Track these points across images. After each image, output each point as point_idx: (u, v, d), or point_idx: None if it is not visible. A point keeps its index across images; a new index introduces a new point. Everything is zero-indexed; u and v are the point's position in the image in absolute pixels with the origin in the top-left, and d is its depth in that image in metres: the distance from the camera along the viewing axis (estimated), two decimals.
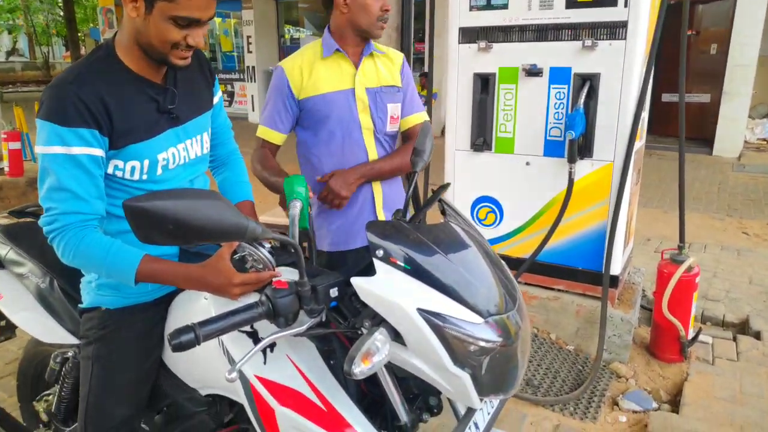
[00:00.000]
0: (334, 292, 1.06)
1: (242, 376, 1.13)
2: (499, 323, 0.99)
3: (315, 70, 1.85)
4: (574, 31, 2.63)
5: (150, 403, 1.38)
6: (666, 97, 8.53)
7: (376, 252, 1.01)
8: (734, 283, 3.71)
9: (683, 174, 2.91)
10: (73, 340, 1.51)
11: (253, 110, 13.35)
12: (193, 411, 1.34)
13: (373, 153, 1.94)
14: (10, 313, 1.60)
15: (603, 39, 2.58)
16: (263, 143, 1.92)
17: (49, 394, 1.75)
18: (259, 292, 1.05)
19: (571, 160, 2.67)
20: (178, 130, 1.33)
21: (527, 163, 2.88)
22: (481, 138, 2.95)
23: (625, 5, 2.51)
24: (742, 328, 3.13)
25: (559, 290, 2.93)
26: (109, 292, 1.33)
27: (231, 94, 14.41)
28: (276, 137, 1.91)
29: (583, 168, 2.73)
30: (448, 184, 1.32)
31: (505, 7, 2.76)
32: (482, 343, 0.96)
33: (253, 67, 13.14)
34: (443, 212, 1.22)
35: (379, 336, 0.94)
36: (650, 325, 2.98)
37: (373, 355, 0.93)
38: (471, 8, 2.84)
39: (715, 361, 2.76)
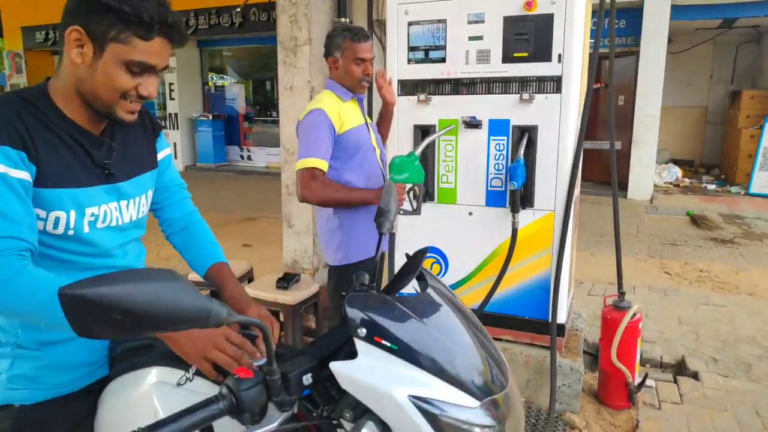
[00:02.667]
0: (307, 379, 0.92)
1: None
2: (494, 405, 0.89)
3: (343, 111, 2.37)
4: (511, 85, 2.68)
5: None
6: (585, 145, 8.99)
7: (358, 331, 0.89)
8: (666, 324, 3.83)
9: (618, 221, 3.01)
10: None
11: (176, 158, 12.90)
12: None
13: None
14: None
15: (539, 92, 2.65)
16: (318, 172, 2.27)
17: None
18: (218, 384, 0.90)
19: (514, 210, 2.68)
20: (111, 188, 1.17)
21: (470, 213, 2.87)
22: (424, 188, 2.92)
23: (559, 60, 2.59)
24: (680, 368, 3.21)
25: (507, 341, 2.88)
26: (24, 385, 1.11)
27: None
28: (326, 166, 2.29)
29: (526, 217, 2.74)
30: (427, 248, 1.23)
31: (442, 60, 2.78)
32: (478, 430, 0.86)
33: (176, 114, 12.78)
34: (419, 278, 1.12)
35: (370, 425, 0.82)
36: (595, 371, 2.99)
37: None
38: (409, 61, 2.85)
39: (661, 405, 2.79)
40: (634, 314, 2.69)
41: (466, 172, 2.84)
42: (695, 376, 3.08)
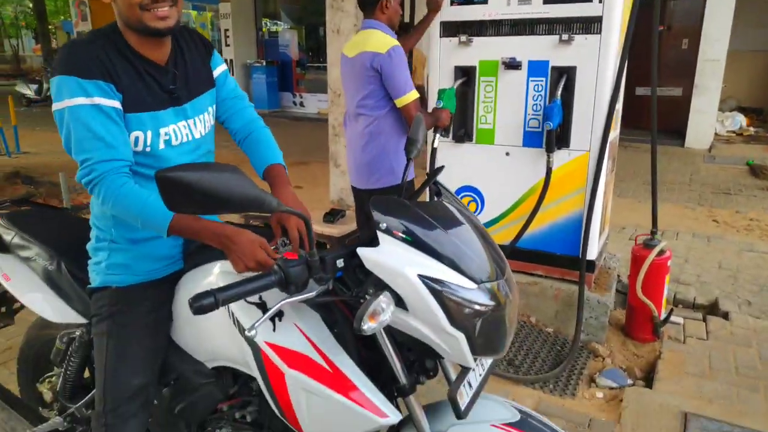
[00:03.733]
0: (340, 263, 1.14)
1: (253, 344, 1.21)
2: (491, 290, 1.08)
3: None
4: (551, 26, 2.73)
5: (158, 377, 1.44)
6: (639, 91, 8.71)
7: (380, 225, 1.09)
8: (705, 268, 3.87)
9: (656, 164, 3.04)
10: (81, 320, 1.57)
11: None
12: (200, 383, 1.41)
13: None
14: (20, 295, 1.65)
15: (579, 33, 2.69)
16: (417, 103, 2.61)
17: (52, 376, 1.79)
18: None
19: (549, 150, 2.78)
20: (178, 110, 1.38)
21: (507, 154, 2.98)
22: (462, 129, 3.05)
23: (600, 1, 2.61)
24: (712, 309, 3.29)
25: (538, 275, 3.04)
26: (118, 271, 1.39)
27: None
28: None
29: (561, 157, 2.84)
30: (442, 167, 1.41)
31: (485, 2, 2.84)
32: (476, 307, 1.06)
33: (232, 60, 13.06)
34: (438, 194, 1.31)
35: (384, 298, 1.03)
36: (625, 308, 3.12)
37: (378, 315, 1.03)
38: (452, 3, 2.92)
39: (686, 340, 2.90)
40: (662, 252, 2.78)
41: (505, 113, 2.94)
42: (726, 316, 3.15)
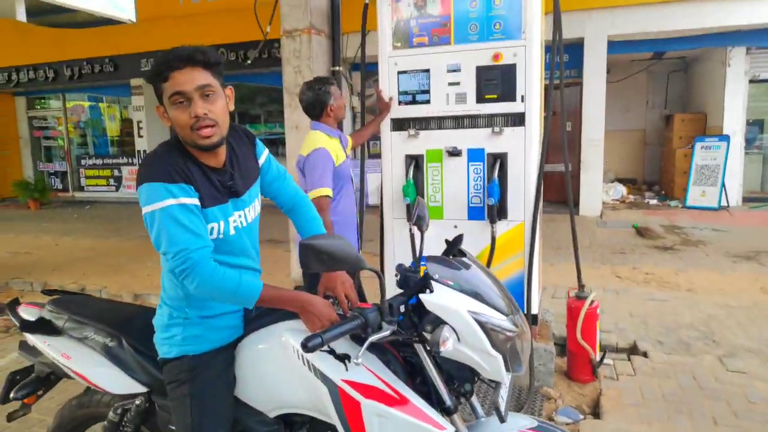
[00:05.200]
0: (402, 308, 1.46)
1: (329, 383, 1.47)
2: (514, 320, 1.46)
3: (334, 148, 3.00)
4: (485, 120, 3.30)
5: None
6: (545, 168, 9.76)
7: (434, 275, 1.45)
8: (619, 317, 4.48)
9: (575, 232, 3.63)
10: (142, 389, 1.72)
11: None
12: (263, 431, 1.62)
13: (356, 201, 3.30)
14: (82, 370, 1.76)
15: (507, 126, 3.27)
16: (327, 199, 2.85)
17: None
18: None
19: (493, 221, 3.27)
20: (237, 201, 1.66)
21: (455, 226, 3.44)
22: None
23: (522, 100, 3.23)
24: (633, 350, 3.84)
25: None
26: (194, 342, 1.60)
27: (119, 179, 14.09)
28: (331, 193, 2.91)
29: (501, 227, 3.33)
30: (462, 235, 1.78)
31: (427, 102, 3.39)
32: (508, 333, 1.43)
33: (145, 151, 13.03)
34: (462, 254, 1.68)
35: (447, 328, 1.38)
36: (564, 357, 3.58)
37: (447, 341, 1.36)
38: (399, 103, 3.44)
39: (618, 377, 3.39)
40: (592, 301, 3.30)
41: (450, 192, 3.42)
42: (645, 354, 3.71)
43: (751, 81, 9.48)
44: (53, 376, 1.95)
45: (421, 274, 1.56)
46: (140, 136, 12.97)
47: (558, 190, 9.71)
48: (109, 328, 1.79)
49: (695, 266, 6.06)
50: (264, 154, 1.81)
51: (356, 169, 3.70)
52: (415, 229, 3.41)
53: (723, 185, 9.13)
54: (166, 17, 11.44)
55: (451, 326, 1.40)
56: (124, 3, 6.63)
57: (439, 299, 1.43)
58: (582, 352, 3.30)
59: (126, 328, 1.79)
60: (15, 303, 1.97)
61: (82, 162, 14.66)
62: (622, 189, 10.63)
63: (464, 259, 1.65)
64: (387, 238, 3.58)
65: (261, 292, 1.50)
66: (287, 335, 1.58)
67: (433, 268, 1.50)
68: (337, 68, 3.88)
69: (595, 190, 9.48)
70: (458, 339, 1.41)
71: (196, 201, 1.51)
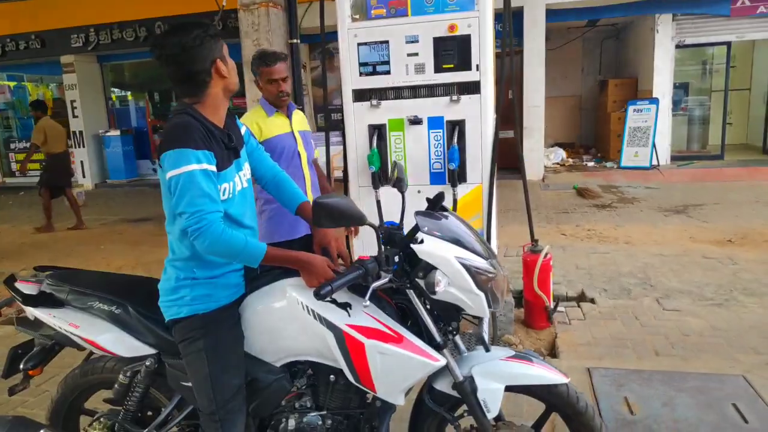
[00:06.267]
0: (396, 258, 1.64)
1: (335, 329, 1.65)
2: (492, 263, 1.67)
3: (265, 122, 2.96)
4: (443, 89, 3.48)
5: None
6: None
7: (424, 228, 1.63)
8: (567, 270, 4.85)
9: (527, 194, 3.91)
10: (151, 351, 1.83)
11: (84, 176, 12.64)
12: (271, 380, 1.77)
13: (308, 176, 3.08)
14: (92, 337, 1.85)
15: (464, 94, 3.47)
16: None
17: (99, 417, 1.97)
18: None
19: (454, 185, 3.48)
20: (238, 161, 1.80)
21: (419, 191, 3.62)
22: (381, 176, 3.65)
23: (477, 69, 3.42)
24: (581, 298, 4.20)
25: None
26: (203, 301, 1.72)
27: None
28: None
29: (462, 190, 3.55)
30: (442, 193, 1.95)
31: (388, 73, 3.52)
32: (489, 274, 1.64)
33: (81, 132, 12.51)
34: (443, 208, 1.87)
35: (439, 272, 1.58)
36: (520, 308, 3.88)
37: (440, 283, 1.57)
38: (360, 74, 3.56)
39: (570, 322, 3.73)
40: (546, 254, 3.60)
41: (413, 159, 3.60)
42: (592, 301, 4.08)
43: (677, 46, 10.07)
44: (57, 346, 2.02)
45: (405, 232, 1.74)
46: (75, 116, 12.41)
47: (504, 156, 10.09)
48: (114, 297, 1.87)
49: (631, 221, 6.55)
50: (243, 126, 1.96)
51: (319, 141, 3.80)
52: (382, 194, 3.61)
53: (654, 146, 9.75)
54: None
55: (442, 271, 1.59)
56: None
57: (429, 248, 1.62)
58: (538, 301, 3.61)
59: (129, 295, 1.88)
60: (12, 279, 2.01)
61: (11, 146, 13.91)
62: (562, 153, 11.15)
63: (445, 212, 1.84)
64: None
65: (266, 251, 1.64)
66: (291, 291, 1.73)
67: (421, 221, 1.68)
68: (294, 41, 3.95)
69: (538, 154, 9.92)
70: (449, 282, 1.61)
71: (214, 168, 1.64)
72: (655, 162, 9.78)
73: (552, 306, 3.67)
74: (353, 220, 1.56)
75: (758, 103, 11.57)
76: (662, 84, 10.02)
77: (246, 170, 1.86)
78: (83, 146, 12.60)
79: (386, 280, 1.60)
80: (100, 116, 13.03)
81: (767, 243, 5.33)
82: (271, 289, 1.79)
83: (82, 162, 12.66)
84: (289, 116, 3.05)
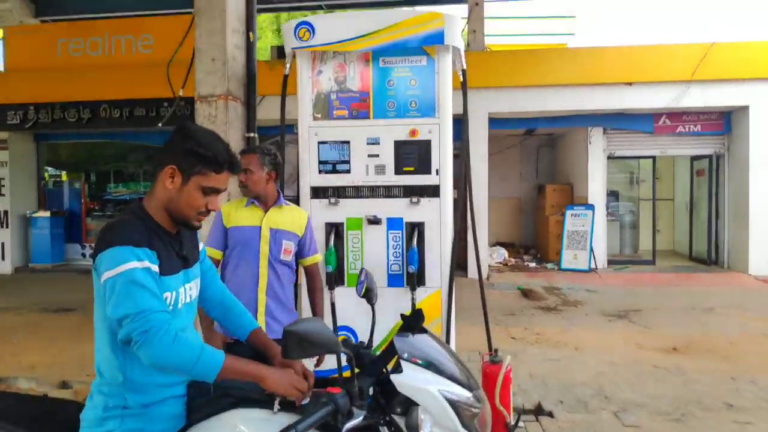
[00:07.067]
0: (371, 390, 1.44)
1: None
2: (478, 395, 1.49)
3: (237, 211, 2.82)
4: (403, 190, 3.44)
5: None
6: None
7: (403, 355, 1.44)
8: (521, 378, 4.69)
9: (484, 297, 3.81)
10: None
11: (3, 259, 11.69)
12: None
13: (263, 274, 2.75)
14: None
15: (424, 197, 3.43)
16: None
17: None
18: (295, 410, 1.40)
19: (413, 289, 3.35)
20: (188, 272, 1.61)
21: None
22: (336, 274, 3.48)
23: (437, 173, 3.42)
24: (538, 410, 4.02)
25: None
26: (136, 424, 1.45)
27: None
28: (216, 253, 2.77)
29: (420, 294, 3.42)
30: (420, 311, 1.80)
31: (347, 172, 3.46)
32: (474, 409, 1.45)
33: (6, 212, 11.71)
34: (423, 330, 1.70)
35: (421, 409, 1.37)
36: None
37: (424, 425, 1.35)
38: (320, 172, 3.48)
39: None
40: (507, 365, 3.45)
41: (370, 260, 3.47)
42: (551, 414, 3.90)
43: (608, 157, 10.77)
44: None
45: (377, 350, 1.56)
46: (1, 195, 11.66)
47: None
48: (19, 429, 1.55)
49: (578, 325, 6.57)
50: (202, 243, 1.83)
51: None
52: (337, 295, 3.41)
53: (591, 249, 10.11)
54: (42, 69, 10.71)
55: (424, 407, 1.41)
56: None
57: (410, 380, 1.44)
58: (499, 416, 3.40)
59: (40, 427, 1.57)
60: None
61: None
62: (504, 252, 11.36)
63: (424, 333, 1.67)
64: (305, 305, 3.51)
65: (224, 362, 1.41)
66: (243, 426, 1.48)
67: (400, 345, 1.51)
68: (251, 134, 3.86)
69: (482, 253, 9.99)
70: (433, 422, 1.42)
71: (156, 268, 1.47)
72: (593, 265, 10.09)
73: (513, 422, 3.47)
74: (327, 348, 1.37)
75: (682, 212, 12.38)
76: (596, 191, 10.58)
77: (195, 285, 1.68)
78: (6, 227, 11.76)
79: (360, 419, 1.39)
80: (30, 196, 12.32)
81: (709, 352, 5.42)
82: (220, 421, 1.53)
83: (2, 244, 11.75)
84: (266, 210, 2.81)
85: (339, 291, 3.48)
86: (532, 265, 10.96)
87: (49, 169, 13.15)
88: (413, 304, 3.36)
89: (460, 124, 10.47)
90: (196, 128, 1.61)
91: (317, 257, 2.97)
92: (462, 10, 11.44)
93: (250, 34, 3.86)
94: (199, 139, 1.54)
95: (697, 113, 10.12)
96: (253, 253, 2.75)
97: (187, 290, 1.61)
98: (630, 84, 9.58)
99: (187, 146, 1.53)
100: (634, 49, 9.83)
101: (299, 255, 2.90)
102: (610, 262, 10.70)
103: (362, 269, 1.99)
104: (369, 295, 1.82)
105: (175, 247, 1.58)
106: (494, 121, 10.22)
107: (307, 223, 2.89)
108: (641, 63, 9.56)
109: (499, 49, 12.28)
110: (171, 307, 1.51)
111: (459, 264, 10.57)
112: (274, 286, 2.79)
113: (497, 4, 14.89)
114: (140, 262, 1.41)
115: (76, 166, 13.19)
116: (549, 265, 10.71)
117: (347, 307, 3.47)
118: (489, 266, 10.44)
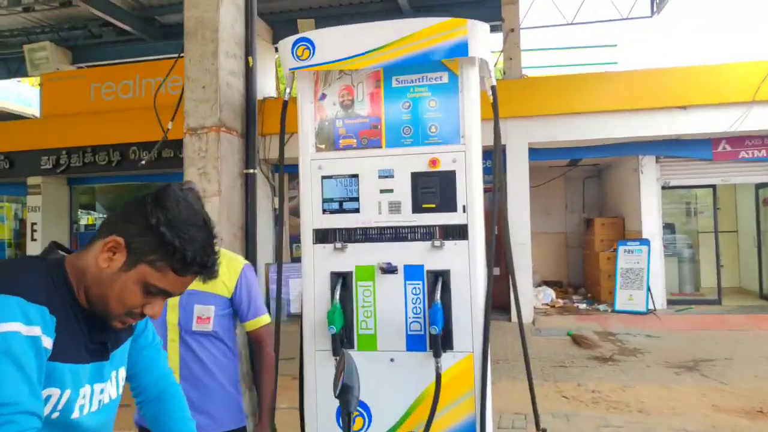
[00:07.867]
0: None
1: None
2: None
3: None
4: (424, 232, 2.84)
5: None
6: None
7: None
8: None
9: (528, 358, 3.14)
10: None
11: None
12: None
13: (173, 353, 2.14)
14: None
15: (448, 239, 2.82)
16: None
17: None
18: None
19: (437, 355, 2.71)
20: (102, 366, 1.13)
21: (391, 360, 2.84)
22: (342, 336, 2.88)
23: (464, 211, 2.82)
24: None
25: None
26: None
27: None
28: None
29: (447, 361, 2.77)
30: None
31: (356, 211, 2.90)
32: None
33: None
34: None
35: None
36: None
37: None
38: (324, 211, 2.93)
39: None
40: None
41: (385, 317, 2.86)
42: None
43: (663, 188, 9.89)
44: None
45: None
46: (33, 239, 11.67)
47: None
48: None
49: (640, 380, 5.71)
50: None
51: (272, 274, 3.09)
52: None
53: (648, 289, 9.16)
54: (72, 114, 10.75)
55: None
56: (29, 97, 6.06)
57: None
58: None
59: None
60: None
61: None
62: (551, 293, 10.51)
63: None
64: (307, 375, 2.91)
65: None
66: None
67: None
68: (251, 171, 3.37)
69: (526, 295, 9.25)
70: None
71: (49, 343, 0.99)
72: (651, 306, 9.13)
73: None
74: None
75: (747, 246, 11.26)
76: (651, 225, 9.69)
77: (113, 383, 1.18)
78: None
79: None
80: (62, 240, 12.26)
81: None
82: None
83: None
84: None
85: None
86: (582, 306, 10.05)
87: (82, 212, 13.17)
88: (438, 375, 2.71)
89: (502, 155, 9.60)
90: (178, 199, 1.09)
91: (262, 319, 2.41)
92: (497, 39, 10.95)
93: (249, 58, 3.41)
94: (173, 218, 1.05)
95: (761, 137, 9.20)
96: (160, 324, 2.15)
97: (96, 393, 1.10)
98: (684, 108, 8.77)
99: (152, 221, 1.05)
100: (686, 70, 9.07)
101: (240, 318, 2.39)
102: (669, 303, 9.69)
103: (342, 352, 1.38)
104: (345, 397, 1.21)
105: (87, 326, 1.09)
106: (535, 152, 9.56)
107: (239, 277, 2.33)
108: (695, 85, 8.78)
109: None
110: (55, 414, 1.01)
111: (501, 306, 9.81)
112: (191, 366, 2.20)
113: (536, 36, 14.41)
114: (27, 327, 0.96)
115: (109, 209, 13.17)
116: (601, 307, 9.78)
117: (359, 374, 2.85)
118: (534, 308, 9.61)
